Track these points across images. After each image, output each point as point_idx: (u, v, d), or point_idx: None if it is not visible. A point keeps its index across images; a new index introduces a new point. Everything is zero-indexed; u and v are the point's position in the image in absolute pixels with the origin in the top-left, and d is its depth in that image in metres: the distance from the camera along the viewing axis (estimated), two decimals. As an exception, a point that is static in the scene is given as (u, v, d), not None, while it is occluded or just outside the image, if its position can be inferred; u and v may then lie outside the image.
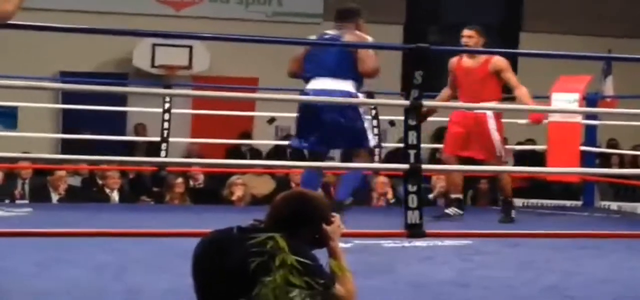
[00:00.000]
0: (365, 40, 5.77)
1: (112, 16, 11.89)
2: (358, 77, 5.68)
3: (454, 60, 6.91)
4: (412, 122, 4.54)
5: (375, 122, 7.93)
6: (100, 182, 8.95)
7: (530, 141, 10.93)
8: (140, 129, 11.65)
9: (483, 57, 6.71)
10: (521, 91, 6.59)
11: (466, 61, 6.80)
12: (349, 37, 5.72)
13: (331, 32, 5.85)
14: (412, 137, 4.53)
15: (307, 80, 5.74)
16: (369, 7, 12.80)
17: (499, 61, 6.70)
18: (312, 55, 5.72)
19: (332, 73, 5.59)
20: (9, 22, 3.65)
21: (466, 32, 6.76)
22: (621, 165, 11.37)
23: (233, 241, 2.90)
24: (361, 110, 5.73)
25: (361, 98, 5.87)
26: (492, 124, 6.66)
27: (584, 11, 13.57)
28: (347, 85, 5.59)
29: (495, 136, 6.67)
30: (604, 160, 10.83)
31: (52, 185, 8.53)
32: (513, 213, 6.86)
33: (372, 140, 5.79)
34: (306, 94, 5.67)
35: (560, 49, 9.29)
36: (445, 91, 6.97)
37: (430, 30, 13.51)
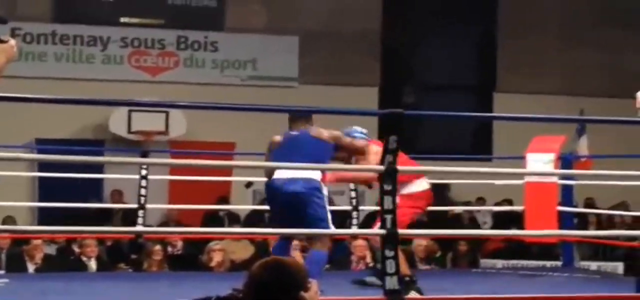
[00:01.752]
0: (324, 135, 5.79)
1: (88, 83, 11.90)
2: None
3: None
4: (387, 187, 4.55)
5: (352, 185, 7.93)
6: (77, 250, 8.87)
7: (507, 201, 10.97)
8: (116, 196, 11.59)
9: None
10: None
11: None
12: (314, 133, 5.76)
13: (294, 133, 5.84)
14: (387, 202, 4.54)
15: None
16: (344, 70, 13.09)
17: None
18: (279, 153, 5.73)
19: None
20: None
21: None
22: (599, 224, 11.41)
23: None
24: (324, 197, 5.75)
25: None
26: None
27: (557, 70, 13.72)
28: (314, 174, 5.63)
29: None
30: (582, 220, 10.88)
31: (28, 255, 8.44)
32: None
33: (332, 227, 5.79)
34: (270, 183, 5.67)
35: (534, 108, 9.38)
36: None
37: (406, 91, 13.61)
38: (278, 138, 5.78)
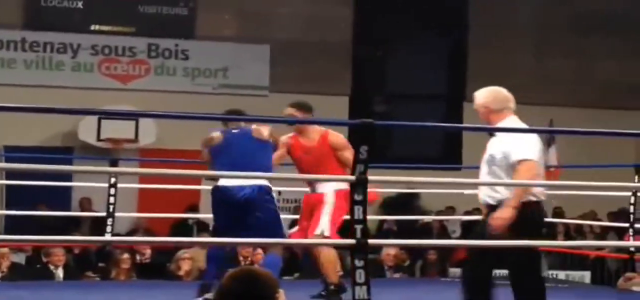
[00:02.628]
0: (264, 134, 5.83)
1: (58, 90, 11.84)
2: (270, 169, 5.78)
3: (287, 136, 6.34)
4: (358, 197, 4.54)
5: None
6: (44, 259, 8.80)
7: (477, 210, 11.01)
8: (85, 203, 11.52)
9: (318, 134, 6.22)
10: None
11: (300, 139, 6.28)
12: (255, 133, 5.81)
13: (235, 131, 5.88)
14: (358, 212, 4.53)
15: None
16: (315, 79, 13.09)
17: (336, 138, 6.23)
18: (222, 151, 5.75)
19: (246, 168, 5.60)
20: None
21: (288, 110, 6.27)
22: (567, 234, 11.49)
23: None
24: (275, 199, 5.80)
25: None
26: (329, 203, 6.09)
27: (526, 80, 13.81)
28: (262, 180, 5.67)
29: (325, 215, 6.08)
30: (551, 229, 10.95)
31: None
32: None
33: (285, 230, 5.84)
34: (219, 189, 5.69)
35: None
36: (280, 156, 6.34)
37: (376, 100, 13.65)
38: (217, 135, 5.83)
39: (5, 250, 8.40)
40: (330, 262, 6.07)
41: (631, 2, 13.88)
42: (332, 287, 5.97)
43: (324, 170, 6.03)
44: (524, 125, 5.17)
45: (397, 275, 8.92)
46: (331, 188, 6.06)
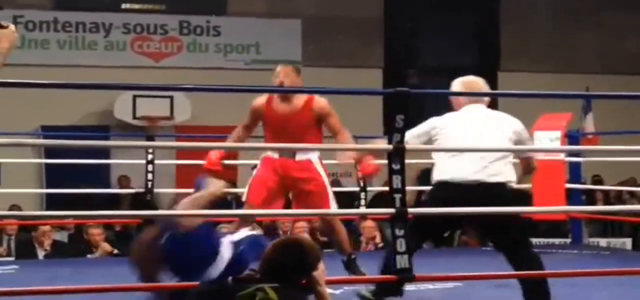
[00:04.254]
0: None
1: (91, 69, 11.89)
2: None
3: (260, 102, 5.87)
4: (395, 166, 4.51)
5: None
6: (85, 236, 8.86)
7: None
8: (124, 181, 11.59)
9: (302, 100, 5.77)
10: (344, 136, 5.77)
11: (278, 105, 5.79)
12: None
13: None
14: (396, 181, 4.51)
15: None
16: (349, 53, 13.03)
17: (322, 104, 5.78)
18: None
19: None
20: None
21: (279, 71, 5.83)
22: (606, 201, 11.39)
23: (225, 293, 2.87)
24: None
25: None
26: (322, 173, 5.76)
27: (561, 49, 13.69)
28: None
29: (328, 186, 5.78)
30: (590, 196, 10.87)
31: (37, 241, 8.44)
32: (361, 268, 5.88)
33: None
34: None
35: (539, 87, 9.34)
36: (239, 132, 5.95)
37: (409, 73, 13.58)
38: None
39: (47, 228, 8.47)
40: (345, 237, 5.90)
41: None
42: (352, 256, 5.87)
43: (307, 138, 5.67)
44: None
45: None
46: (315, 155, 5.78)
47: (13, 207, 9.74)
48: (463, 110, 5.12)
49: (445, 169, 4.90)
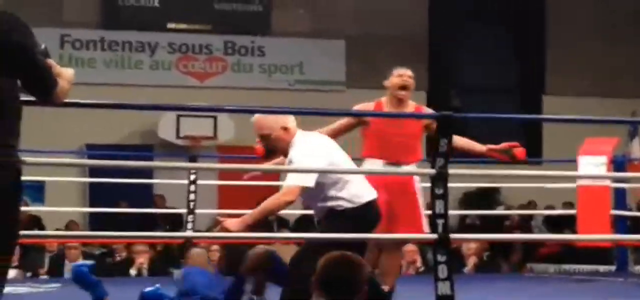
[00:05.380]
0: None
1: (136, 88, 11.97)
2: None
3: (370, 105, 5.62)
4: (438, 191, 4.49)
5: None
6: (123, 255, 8.87)
7: (550, 207, 10.80)
8: (159, 201, 11.59)
9: (412, 107, 5.54)
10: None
11: (392, 110, 5.52)
12: None
13: None
14: (439, 206, 4.48)
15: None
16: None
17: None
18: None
19: None
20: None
21: (406, 72, 5.62)
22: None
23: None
24: None
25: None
26: (420, 194, 5.39)
27: (607, 72, 13.53)
28: None
29: (422, 210, 5.38)
30: (636, 223, 10.67)
31: (69, 257, 8.43)
32: None
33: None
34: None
35: (584, 111, 9.23)
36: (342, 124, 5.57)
37: (452, 94, 13.52)
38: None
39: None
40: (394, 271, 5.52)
41: None
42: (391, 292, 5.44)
43: (414, 150, 5.43)
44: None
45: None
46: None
47: (70, 225, 9.80)
48: (310, 135, 4.87)
49: (363, 190, 4.76)
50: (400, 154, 5.35)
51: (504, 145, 5.66)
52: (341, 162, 4.78)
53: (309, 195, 4.76)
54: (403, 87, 5.52)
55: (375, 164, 5.41)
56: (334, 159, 4.75)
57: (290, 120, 4.87)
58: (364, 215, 4.72)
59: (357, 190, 4.73)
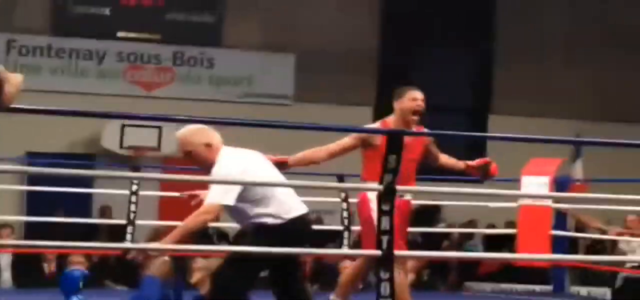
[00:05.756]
0: None
1: (83, 96, 11.84)
2: None
3: (378, 126, 5.63)
4: (385, 207, 4.46)
5: (345, 205, 7.86)
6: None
7: (492, 225, 10.85)
8: (106, 211, 11.45)
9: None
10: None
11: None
12: None
13: None
14: (385, 223, 4.46)
15: None
16: (339, 89, 13.00)
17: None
18: None
19: None
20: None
21: (420, 95, 5.67)
22: (587, 248, 11.30)
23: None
24: None
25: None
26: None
27: (552, 94, 13.68)
28: None
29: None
30: (573, 244, 10.79)
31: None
32: None
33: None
34: None
35: (529, 132, 9.30)
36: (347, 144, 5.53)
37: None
38: None
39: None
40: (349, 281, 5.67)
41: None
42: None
43: (415, 175, 5.38)
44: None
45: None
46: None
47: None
48: (235, 152, 4.89)
49: (291, 205, 4.76)
50: (405, 179, 5.16)
51: (479, 161, 5.69)
52: (266, 178, 4.76)
53: (236, 213, 4.75)
54: (416, 112, 5.50)
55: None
56: (258, 175, 4.73)
57: (214, 137, 4.84)
58: (291, 231, 4.70)
59: (284, 206, 4.72)
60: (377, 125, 5.69)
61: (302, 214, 4.75)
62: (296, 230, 4.72)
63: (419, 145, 5.55)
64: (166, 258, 6.31)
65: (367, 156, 5.51)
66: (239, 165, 4.73)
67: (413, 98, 5.60)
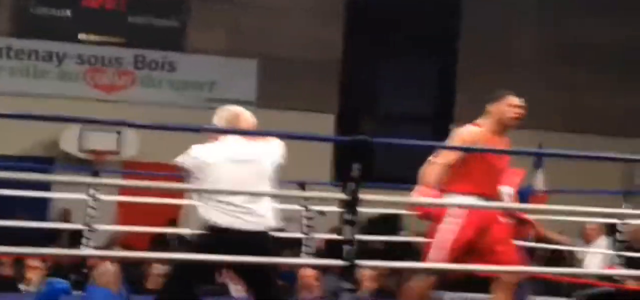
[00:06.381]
0: None
1: (42, 98, 11.71)
2: None
3: (478, 132, 5.30)
4: (348, 217, 4.41)
5: (304, 211, 7.79)
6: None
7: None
8: (66, 215, 11.32)
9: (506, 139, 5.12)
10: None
11: (497, 140, 5.19)
12: None
13: None
14: (348, 232, 4.40)
15: None
16: (302, 96, 12.96)
17: None
18: None
19: None
20: None
21: (518, 100, 5.37)
22: (549, 261, 11.32)
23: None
24: None
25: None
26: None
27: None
28: None
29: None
30: (532, 255, 10.79)
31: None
32: None
33: None
34: None
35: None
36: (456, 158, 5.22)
37: (363, 120, 13.54)
38: None
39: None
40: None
41: (622, 35, 13.83)
42: None
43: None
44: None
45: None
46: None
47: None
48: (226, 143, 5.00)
49: (221, 216, 4.84)
50: (495, 189, 5.12)
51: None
52: (227, 178, 4.74)
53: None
54: (516, 119, 5.31)
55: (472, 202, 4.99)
56: (216, 172, 4.77)
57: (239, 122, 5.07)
58: (212, 242, 4.72)
59: (212, 215, 4.73)
60: (469, 128, 5.46)
61: (227, 228, 4.74)
62: (218, 243, 4.70)
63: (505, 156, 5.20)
64: (110, 266, 6.22)
65: (464, 165, 5.26)
66: (201, 155, 4.89)
67: (513, 104, 5.42)
